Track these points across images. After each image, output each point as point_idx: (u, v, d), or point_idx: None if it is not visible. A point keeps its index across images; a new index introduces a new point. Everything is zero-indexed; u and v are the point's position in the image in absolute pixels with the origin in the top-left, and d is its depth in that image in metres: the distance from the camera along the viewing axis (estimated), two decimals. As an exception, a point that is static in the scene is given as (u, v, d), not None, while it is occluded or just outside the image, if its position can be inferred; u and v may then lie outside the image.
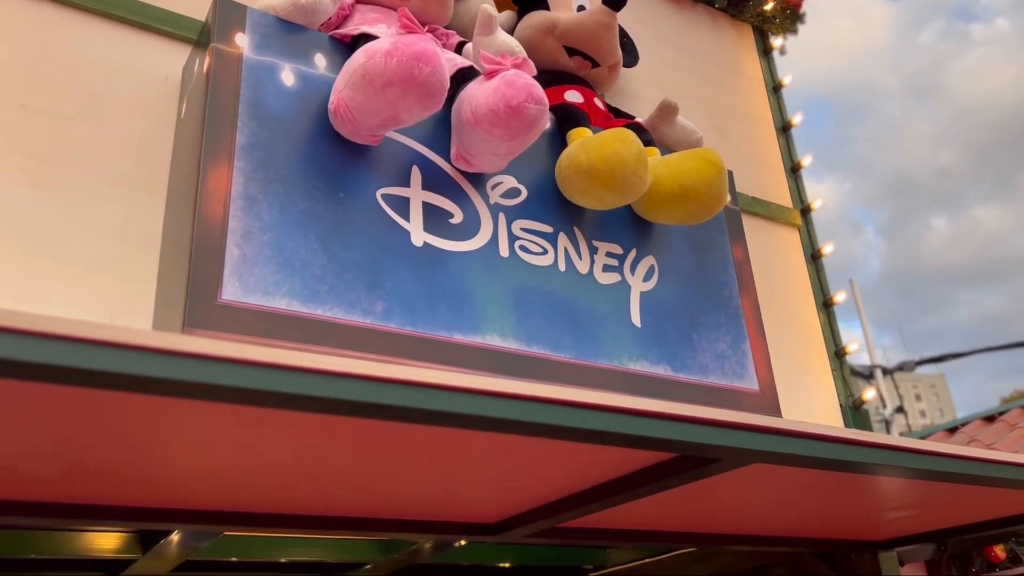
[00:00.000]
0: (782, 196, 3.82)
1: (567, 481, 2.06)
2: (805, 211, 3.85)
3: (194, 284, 1.90)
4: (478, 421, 1.37)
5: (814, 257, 3.76)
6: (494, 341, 2.30)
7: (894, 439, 1.78)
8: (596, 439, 1.54)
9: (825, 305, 3.69)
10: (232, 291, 1.94)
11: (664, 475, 1.84)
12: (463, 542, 4.15)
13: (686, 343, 2.70)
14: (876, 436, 1.73)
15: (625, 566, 4.67)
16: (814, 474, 2.06)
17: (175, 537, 3.31)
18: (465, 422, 1.37)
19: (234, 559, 4.08)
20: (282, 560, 4.20)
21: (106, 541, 3.64)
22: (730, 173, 3.15)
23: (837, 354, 3.59)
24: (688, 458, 1.78)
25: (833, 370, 3.55)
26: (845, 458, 1.66)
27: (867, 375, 10.28)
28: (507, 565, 4.81)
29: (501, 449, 1.79)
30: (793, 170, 3.94)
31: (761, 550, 3.31)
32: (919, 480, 2.13)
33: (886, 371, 10.96)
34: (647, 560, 4.49)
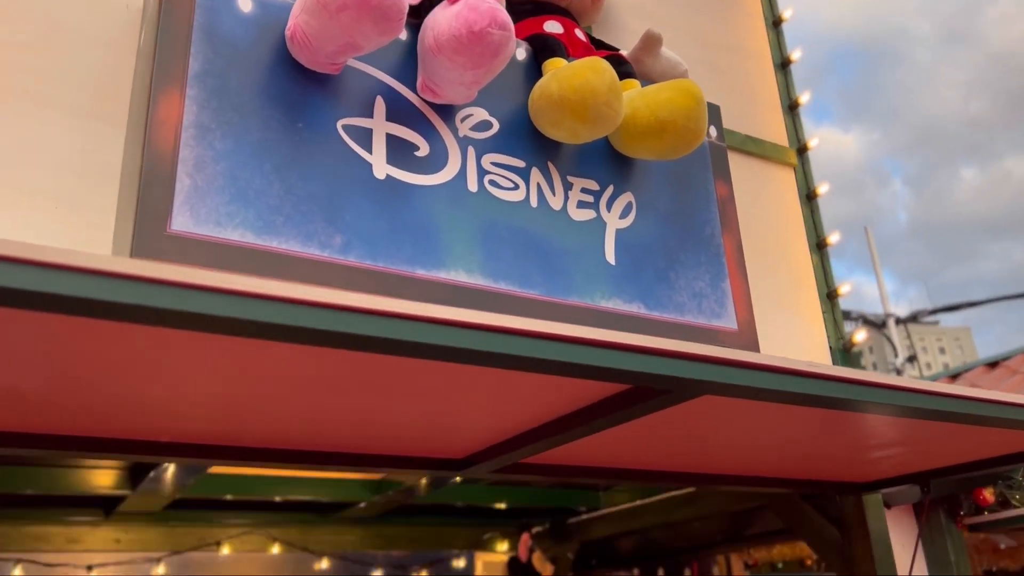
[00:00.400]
0: (778, 135, 3.72)
1: (527, 415, 2.04)
2: (802, 150, 3.74)
3: (143, 214, 1.87)
4: (422, 349, 1.34)
5: (809, 197, 3.67)
6: (459, 277, 2.26)
7: (853, 372, 1.73)
8: (541, 368, 1.51)
9: (819, 246, 3.61)
10: (182, 221, 1.91)
11: (618, 407, 1.81)
12: (458, 479, 4.20)
13: (662, 281, 2.64)
14: (833, 368, 1.68)
15: (616, 508, 4.70)
16: (791, 412, 2.03)
17: (162, 472, 3.35)
18: (409, 350, 1.33)
19: (229, 497, 4.15)
20: (276, 499, 4.27)
21: (99, 478, 3.71)
22: (717, 108, 3.06)
23: (829, 296, 3.53)
24: (640, 390, 1.74)
25: (824, 312, 3.48)
26: (796, 390, 1.62)
27: (880, 324, 10.15)
28: (503, 506, 4.85)
29: (460, 382, 1.77)
30: (791, 108, 3.83)
31: (744, 490, 3.30)
32: (895, 417, 2.09)
33: (900, 320, 10.81)
34: (638, 503, 4.52)
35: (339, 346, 1.25)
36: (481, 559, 5.24)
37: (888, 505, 3.34)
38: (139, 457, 2.16)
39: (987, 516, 3.35)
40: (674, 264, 2.69)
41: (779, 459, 2.86)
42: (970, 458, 2.73)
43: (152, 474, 3.27)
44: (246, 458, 2.24)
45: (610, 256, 2.57)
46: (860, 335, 3.39)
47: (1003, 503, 3.31)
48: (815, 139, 3.74)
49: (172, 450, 2.15)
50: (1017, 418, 2.06)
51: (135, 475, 3.59)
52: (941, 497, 3.33)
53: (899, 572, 3.21)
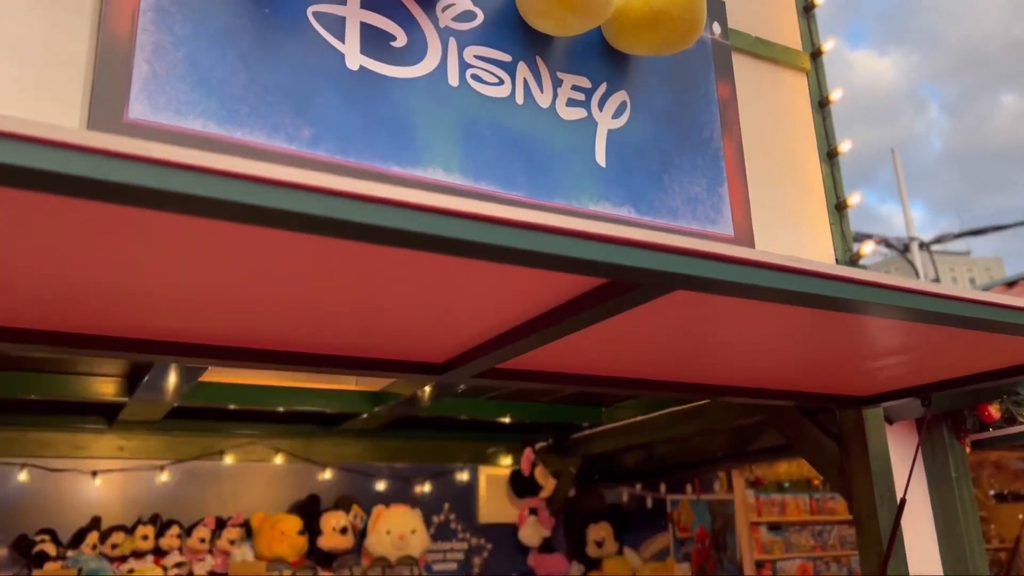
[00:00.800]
0: (791, 38, 3.52)
1: (505, 315, 1.97)
2: (815, 55, 3.55)
3: (97, 102, 1.80)
4: (402, 236, 1.27)
5: (821, 104, 3.50)
6: (437, 175, 2.17)
7: (833, 268, 1.63)
8: (509, 257, 1.43)
9: (829, 156, 3.45)
10: (140, 109, 1.83)
11: (592, 304, 1.73)
12: (462, 387, 4.18)
13: (655, 185, 2.53)
14: (811, 263, 1.58)
15: (619, 423, 4.68)
16: (782, 315, 1.95)
17: (157, 379, 3.36)
18: (389, 237, 1.27)
19: (231, 407, 4.17)
20: (279, 409, 4.28)
21: (100, 385, 3.73)
22: (721, 3, 2.89)
23: (838, 207, 3.39)
24: (613, 285, 1.67)
25: (832, 224, 3.35)
26: (772, 285, 1.53)
27: (902, 248, 9.93)
28: (506, 420, 4.85)
29: (438, 278, 1.70)
30: (806, 9, 3.62)
31: (744, 402, 3.23)
32: (892, 322, 2.00)
33: (923, 244, 10.58)
34: (639, 418, 4.49)
35: (325, 232, 1.19)
36: (484, 473, 5.28)
37: (890, 421, 3.27)
38: (130, 355, 2.13)
39: (992, 432, 3.27)
40: (668, 167, 2.57)
41: (779, 370, 2.78)
42: (973, 370, 2.63)
43: (146, 380, 3.28)
44: (232, 358, 2.21)
45: (600, 157, 2.46)
46: (868, 247, 3.27)
47: (1009, 419, 3.22)
48: (830, 42, 3.55)
49: (162, 348, 2.12)
50: (1019, 322, 1.96)
51: (133, 384, 3.61)
52: (944, 413, 3.25)
53: (898, 488, 3.16)
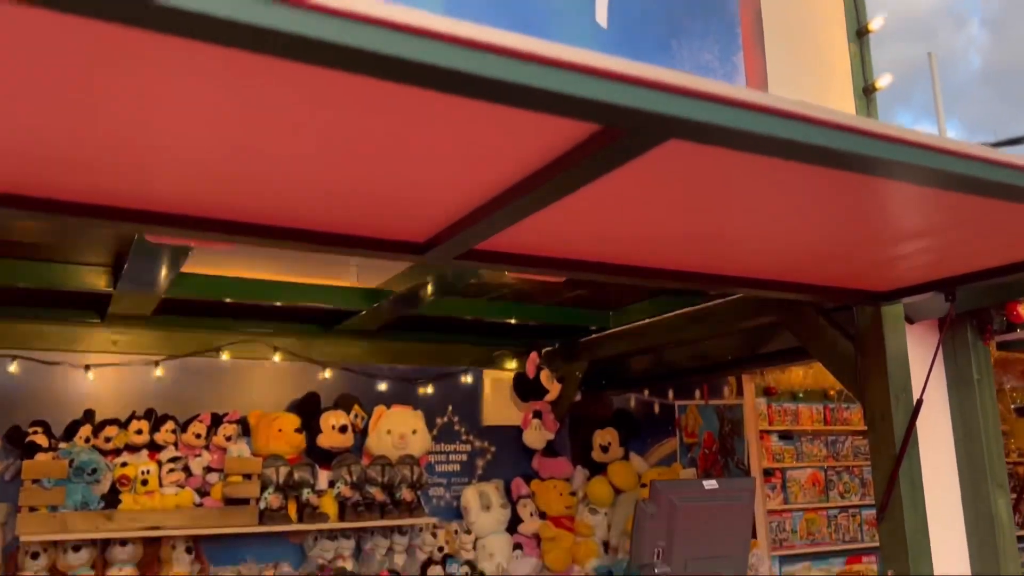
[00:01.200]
0: (821, -101, 3.20)
1: (481, 182, 1.78)
2: (848, -80, 3.23)
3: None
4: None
5: (852, -25, 3.20)
6: (415, 29, 1.95)
7: (851, 119, 1.42)
8: (474, 89, 1.23)
9: (859, 34, 3.17)
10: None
11: (575, 162, 1.54)
12: (474, 279, 4.00)
13: (662, 51, 2.30)
14: (828, 111, 1.38)
15: (626, 327, 4.54)
16: (795, 185, 1.76)
17: (138, 267, 3.23)
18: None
19: (227, 300, 4.05)
20: (277, 304, 4.16)
21: (89, 276, 3.62)
22: None
23: (865, 91, 3.13)
24: (598, 137, 1.47)
25: (859, 109, 3.10)
26: (775, 133, 1.33)
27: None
28: (512, 321, 4.72)
29: (401, 133, 1.52)
30: None
31: (757, 294, 3.05)
32: (914, 188, 1.79)
33: (956, 154, 10.17)
34: (646, 320, 4.34)
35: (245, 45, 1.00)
36: (489, 376, 5.18)
37: (911, 320, 3.08)
38: (104, 222, 1.96)
39: (1020, 333, 3.08)
40: (677, 32, 2.33)
41: (792, 257, 2.57)
42: (1004, 260, 2.42)
43: (127, 268, 3.15)
44: (208, 229, 2.05)
45: (601, 18, 2.22)
46: (896, 133, 3.01)
47: (1039, 320, 3.02)
48: (866, -93, 3.21)
49: (138, 217, 1.97)
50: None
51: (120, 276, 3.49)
52: (969, 312, 3.05)
53: (915, 391, 3.00)
